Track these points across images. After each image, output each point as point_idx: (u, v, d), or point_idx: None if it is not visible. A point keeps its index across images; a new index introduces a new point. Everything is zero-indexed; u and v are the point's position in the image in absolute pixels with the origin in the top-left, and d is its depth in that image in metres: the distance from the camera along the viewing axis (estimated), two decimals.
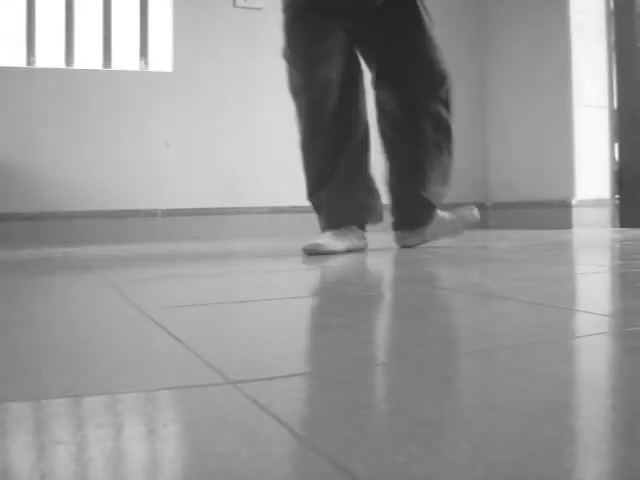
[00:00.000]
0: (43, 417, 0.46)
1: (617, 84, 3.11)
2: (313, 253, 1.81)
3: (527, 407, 0.46)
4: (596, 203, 3.09)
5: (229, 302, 1.02)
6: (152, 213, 2.93)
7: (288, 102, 3.20)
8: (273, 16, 3.11)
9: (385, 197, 2.09)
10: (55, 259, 1.94)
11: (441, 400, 0.48)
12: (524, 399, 0.47)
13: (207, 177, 3.02)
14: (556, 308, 0.89)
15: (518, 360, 0.59)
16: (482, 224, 3.43)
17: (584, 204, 3.07)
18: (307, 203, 3.21)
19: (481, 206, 3.45)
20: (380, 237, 2.16)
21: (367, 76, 2.07)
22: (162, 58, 3.03)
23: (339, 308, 0.94)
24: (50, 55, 2.90)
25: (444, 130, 1.98)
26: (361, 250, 1.94)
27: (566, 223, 3.04)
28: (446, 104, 1.98)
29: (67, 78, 2.85)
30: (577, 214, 3.05)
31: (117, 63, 2.99)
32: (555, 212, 3.08)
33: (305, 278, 1.39)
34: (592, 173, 3.09)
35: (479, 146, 3.45)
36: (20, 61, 2.85)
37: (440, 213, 2.04)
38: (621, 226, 3.08)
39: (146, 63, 3.02)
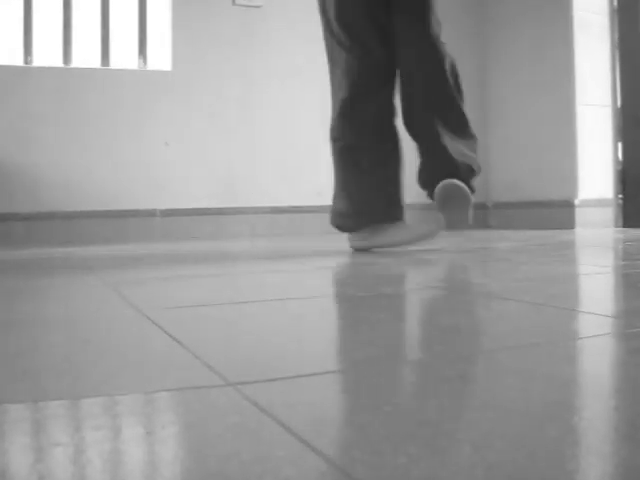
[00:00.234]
0: (41, 419, 0.46)
1: (620, 83, 3.11)
2: (360, 249, 1.87)
3: (528, 408, 0.45)
4: (599, 203, 3.09)
5: (228, 303, 1.02)
6: (151, 213, 2.93)
7: (288, 102, 3.21)
8: (272, 14, 3.11)
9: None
10: (54, 259, 1.93)
11: (441, 400, 0.48)
12: (525, 400, 0.47)
13: (206, 177, 3.02)
14: (558, 309, 0.89)
15: (519, 360, 0.59)
16: (484, 224, 3.43)
17: (587, 204, 3.06)
18: (306, 203, 3.22)
19: (482, 206, 3.45)
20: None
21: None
22: (161, 57, 3.03)
23: (338, 309, 0.94)
24: (48, 54, 2.89)
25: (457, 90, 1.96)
26: (398, 245, 1.93)
27: (568, 223, 3.04)
28: (455, 81, 1.95)
29: (65, 77, 2.84)
30: (580, 214, 3.05)
31: (115, 62, 2.98)
32: (557, 212, 3.07)
33: (305, 278, 1.39)
34: (595, 173, 3.09)
35: (480, 146, 3.44)
36: (17, 60, 2.85)
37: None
38: (624, 226, 3.08)
39: (145, 62, 3.02)
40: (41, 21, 2.89)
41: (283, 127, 3.11)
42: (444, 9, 3.38)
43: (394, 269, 1.56)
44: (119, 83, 2.90)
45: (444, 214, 1.90)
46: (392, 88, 1.96)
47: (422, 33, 1.91)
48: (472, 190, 1.95)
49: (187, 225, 2.98)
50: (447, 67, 1.90)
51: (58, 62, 2.90)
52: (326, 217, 3.35)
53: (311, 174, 3.15)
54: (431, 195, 1.97)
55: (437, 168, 1.94)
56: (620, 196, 3.12)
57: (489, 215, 3.47)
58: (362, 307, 0.95)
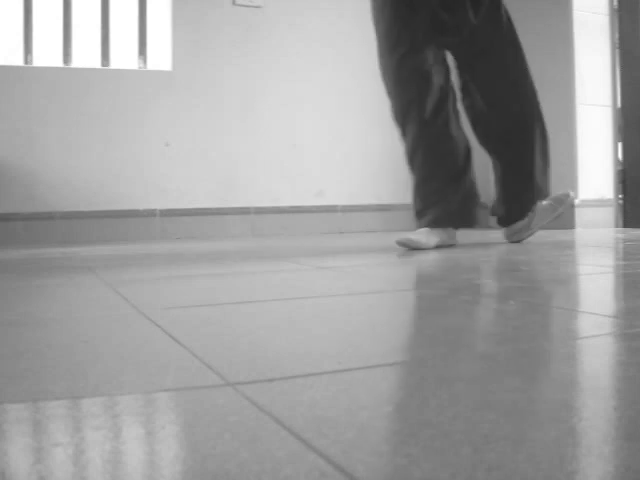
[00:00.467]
0: (41, 419, 0.46)
1: (621, 83, 3.11)
2: (405, 247, 1.90)
3: (529, 408, 0.45)
4: (599, 203, 3.09)
5: (228, 303, 1.01)
6: (151, 213, 2.93)
7: (288, 101, 3.21)
8: (272, 14, 3.11)
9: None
10: (54, 259, 1.93)
11: (442, 401, 0.48)
12: (526, 400, 0.47)
13: (206, 177, 3.02)
14: (558, 309, 0.89)
15: (520, 361, 0.59)
16: (483, 224, 3.43)
17: (587, 204, 3.06)
18: (307, 203, 3.22)
19: (482, 206, 3.44)
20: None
21: None
22: (161, 57, 3.02)
23: (338, 309, 0.94)
24: (48, 54, 2.89)
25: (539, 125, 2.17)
26: (449, 246, 2.02)
27: (569, 223, 3.03)
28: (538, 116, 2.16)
29: (65, 77, 2.84)
30: (580, 214, 3.04)
31: (115, 62, 2.98)
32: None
33: (304, 279, 1.39)
34: (595, 173, 3.08)
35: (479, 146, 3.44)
36: (17, 60, 2.85)
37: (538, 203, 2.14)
38: (624, 226, 3.08)
39: (145, 62, 3.02)
40: (41, 21, 2.88)
41: (283, 127, 3.11)
42: None
43: (393, 270, 1.56)
44: (119, 83, 2.90)
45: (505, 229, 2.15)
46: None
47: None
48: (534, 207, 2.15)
49: (187, 225, 2.98)
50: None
51: (58, 62, 2.90)
52: (325, 217, 3.36)
53: (312, 174, 3.15)
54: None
55: (527, 199, 2.13)
56: (620, 196, 3.12)
57: (489, 215, 3.47)
58: (361, 307, 0.95)
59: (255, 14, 3.08)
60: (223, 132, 3.03)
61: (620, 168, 3.13)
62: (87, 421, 0.45)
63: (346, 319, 0.85)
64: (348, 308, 0.94)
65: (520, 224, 2.14)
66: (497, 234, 2.74)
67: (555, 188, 3.15)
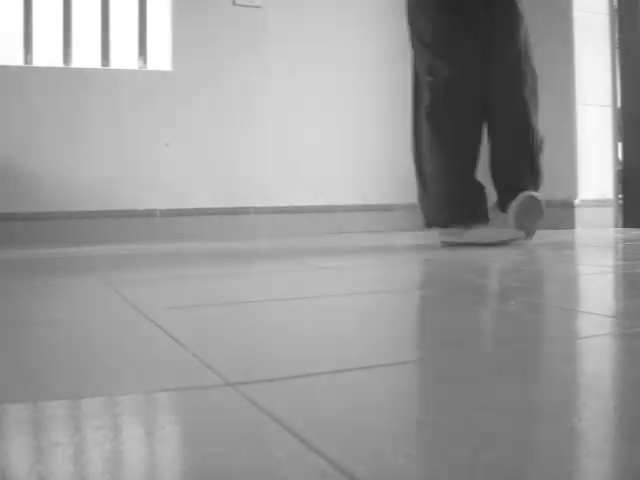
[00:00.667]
0: (41, 418, 0.46)
1: (621, 82, 3.10)
2: (450, 244, 1.97)
3: (529, 408, 0.45)
4: (599, 203, 3.09)
5: (229, 303, 1.01)
6: (151, 213, 2.93)
7: (288, 101, 3.21)
8: (272, 14, 3.11)
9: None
10: (54, 259, 1.93)
11: (442, 401, 0.48)
12: (526, 400, 0.47)
13: (206, 177, 3.02)
14: (558, 309, 0.89)
15: (520, 361, 0.59)
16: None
17: (587, 204, 3.06)
18: (307, 203, 3.22)
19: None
20: None
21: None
22: (161, 57, 3.02)
23: (338, 309, 0.94)
24: (48, 54, 2.89)
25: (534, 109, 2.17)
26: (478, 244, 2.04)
27: (569, 223, 3.03)
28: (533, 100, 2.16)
29: (65, 77, 2.84)
30: (580, 214, 3.04)
31: (115, 62, 2.98)
32: (557, 212, 3.06)
33: (304, 279, 1.39)
34: (595, 173, 3.08)
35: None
36: (17, 60, 2.85)
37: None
38: (624, 226, 3.08)
39: (145, 62, 3.02)
40: (41, 21, 2.88)
41: (283, 127, 3.11)
42: None
43: (391, 270, 1.56)
44: (119, 83, 2.90)
45: (518, 222, 2.05)
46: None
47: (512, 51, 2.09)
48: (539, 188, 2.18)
49: (187, 225, 2.97)
50: (527, 93, 2.12)
51: (58, 62, 2.89)
52: (326, 217, 3.36)
53: (312, 174, 3.15)
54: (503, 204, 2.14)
55: (514, 185, 2.12)
56: (620, 196, 3.12)
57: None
58: (362, 307, 0.95)
59: (255, 14, 3.08)
60: (223, 132, 3.03)
61: (620, 168, 3.13)
62: (87, 421, 0.45)
63: (346, 319, 0.85)
64: (348, 308, 0.94)
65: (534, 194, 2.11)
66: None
67: (555, 188, 3.15)
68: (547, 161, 3.22)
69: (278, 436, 0.41)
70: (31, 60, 2.86)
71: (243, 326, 0.81)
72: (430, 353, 0.62)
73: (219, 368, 0.57)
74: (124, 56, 2.99)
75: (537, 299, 0.95)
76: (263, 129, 3.09)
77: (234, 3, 3.05)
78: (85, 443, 0.40)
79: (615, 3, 3.13)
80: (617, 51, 3.12)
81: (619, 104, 3.12)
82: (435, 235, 2.11)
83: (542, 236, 2.28)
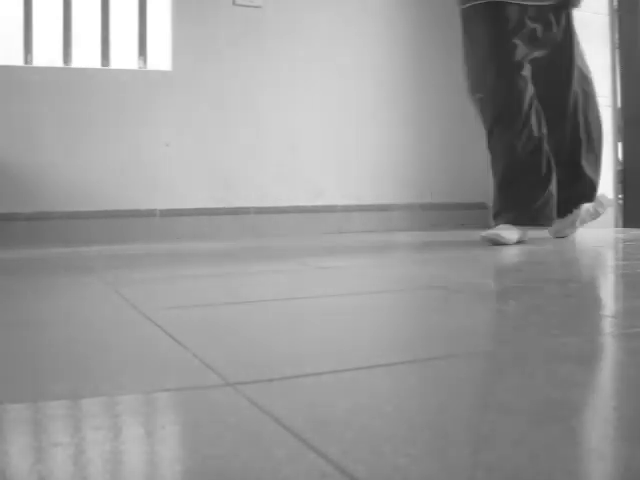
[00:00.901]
0: (41, 419, 0.46)
1: (621, 83, 3.10)
2: (491, 242, 2.01)
3: (529, 408, 0.45)
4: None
5: (229, 303, 1.01)
6: (151, 213, 2.93)
7: (288, 102, 3.21)
8: (272, 14, 3.11)
9: None
10: (54, 259, 1.93)
11: (442, 401, 0.48)
12: (526, 400, 0.47)
13: (206, 177, 3.02)
14: (557, 308, 0.89)
15: (519, 361, 0.59)
16: (484, 224, 3.43)
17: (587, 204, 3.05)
18: (307, 203, 3.22)
19: (482, 206, 3.45)
20: None
21: None
22: (161, 57, 3.02)
23: (338, 309, 0.94)
24: (48, 54, 2.89)
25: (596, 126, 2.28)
26: (524, 242, 2.12)
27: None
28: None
29: (65, 77, 2.84)
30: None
31: (115, 62, 2.98)
32: None
33: (304, 279, 1.39)
34: None
35: (481, 146, 3.44)
36: (17, 60, 2.85)
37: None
38: (624, 226, 3.07)
39: (145, 62, 3.02)
40: (41, 21, 2.88)
41: (283, 127, 3.11)
42: (445, 10, 3.37)
43: (389, 270, 1.56)
44: (119, 83, 2.90)
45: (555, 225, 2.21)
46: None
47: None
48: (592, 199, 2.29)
49: (187, 225, 2.97)
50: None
51: (58, 62, 2.89)
52: (325, 217, 3.35)
53: (311, 174, 3.15)
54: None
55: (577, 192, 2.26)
56: (620, 196, 3.12)
57: (489, 215, 3.47)
58: (362, 307, 0.95)
59: (255, 14, 3.08)
60: (223, 132, 3.03)
61: (620, 168, 3.12)
62: (87, 421, 0.45)
63: (346, 319, 0.85)
64: (348, 308, 0.94)
65: (570, 218, 2.23)
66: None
67: None
68: None
69: (278, 436, 0.41)
70: (31, 60, 2.86)
71: (243, 326, 0.81)
72: (430, 353, 0.62)
73: (219, 368, 0.57)
74: (124, 56, 2.99)
75: (537, 299, 0.95)
76: (263, 129, 3.09)
77: (234, 3, 3.05)
78: (85, 443, 0.40)
79: (615, 3, 3.13)
80: (617, 51, 3.12)
81: (619, 104, 3.12)
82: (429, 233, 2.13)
83: (542, 236, 2.28)
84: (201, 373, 0.56)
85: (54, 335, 0.76)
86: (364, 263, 1.65)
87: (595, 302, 0.99)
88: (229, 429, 0.42)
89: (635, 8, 3.07)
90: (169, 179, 2.95)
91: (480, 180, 3.50)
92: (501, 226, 2.08)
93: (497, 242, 1.98)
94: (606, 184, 3.10)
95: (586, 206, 2.28)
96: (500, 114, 2.11)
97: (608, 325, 0.77)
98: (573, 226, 2.27)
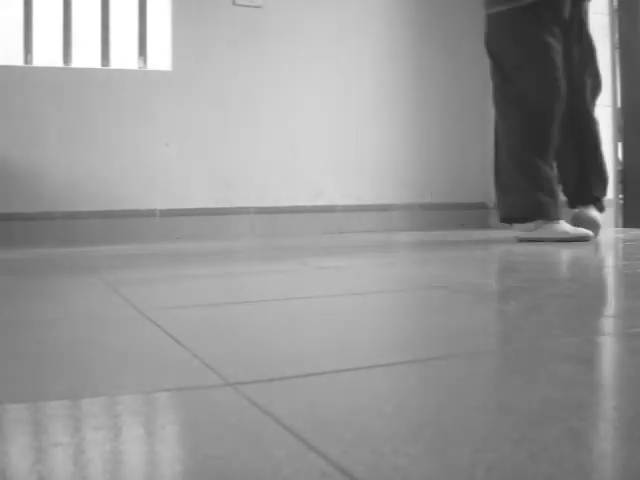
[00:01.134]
0: (41, 418, 0.46)
1: (621, 83, 3.10)
2: (524, 240, 2.13)
3: (529, 408, 0.45)
4: None
5: (229, 303, 1.01)
6: (151, 213, 2.93)
7: (288, 101, 3.21)
8: (272, 14, 3.11)
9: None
10: (54, 259, 1.93)
11: (442, 401, 0.48)
12: (526, 400, 0.47)
13: (206, 177, 3.02)
14: (557, 308, 0.89)
15: (519, 361, 0.59)
16: (484, 224, 3.43)
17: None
18: (307, 203, 3.22)
19: (482, 206, 3.44)
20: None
21: None
22: (161, 57, 3.02)
23: (338, 309, 0.94)
24: (48, 54, 2.89)
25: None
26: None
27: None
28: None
29: (65, 77, 2.84)
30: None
31: (115, 62, 2.98)
32: None
33: (304, 279, 1.39)
34: None
35: (481, 146, 3.45)
36: (17, 60, 2.85)
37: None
38: (624, 226, 3.07)
39: (145, 62, 3.02)
40: (41, 21, 2.88)
41: (283, 127, 3.11)
42: (443, 11, 3.37)
43: (387, 270, 1.56)
44: (119, 83, 2.90)
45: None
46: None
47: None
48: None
49: (187, 225, 2.98)
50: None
51: (58, 62, 2.90)
52: (325, 217, 3.36)
53: (311, 174, 3.15)
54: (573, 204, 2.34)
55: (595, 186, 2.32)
56: (620, 196, 3.12)
57: (489, 215, 3.47)
58: (362, 307, 0.95)
59: (255, 14, 3.08)
60: (223, 132, 3.04)
61: (620, 168, 3.12)
62: (87, 421, 0.45)
63: (346, 319, 0.85)
64: (348, 308, 0.94)
65: (595, 214, 2.27)
66: (497, 234, 2.74)
67: None
68: None
69: (278, 436, 0.41)
70: (31, 60, 2.86)
71: (243, 326, 0.81)
72: (430, 353, 0.62)
73: (219, 368, 0.57)
74: (124, 56, 2.99)
75: (537, 299, 0.95)
76: (263, 129, 3.09)
77: (234, 3, 3.05)
78: (85, 443, 0.40)
79: (615, 3, 3.13)
80: (617, 51, 3.12)
81: (619, 104, 3.12)
82: (432, 233, 2.12)
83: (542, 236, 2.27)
84: (201, 373, 0.56)
85: (54, 335, 0.76)
86: (364, 263, 1.65)
87: (595, 302, 0.99)
88: (229, 429, 0.42)
89: (635, 8, 3.07)
90: (169, 179, 2.96)
91: (480, 180, 3.50)
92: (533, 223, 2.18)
93: (586, 238, 2.10)
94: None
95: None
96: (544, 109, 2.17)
97: (608, 325, 0.77)
98: (598, 226, 2.28)
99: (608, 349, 0.65)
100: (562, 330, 0.74)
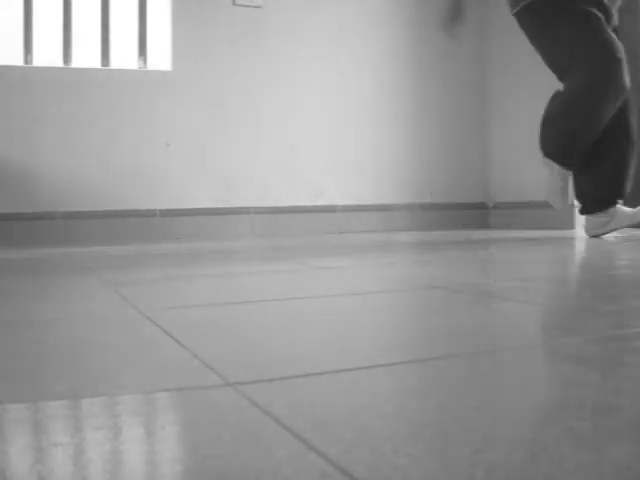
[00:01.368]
0: (41, 419, 0.46)
1: None
2: (598, 236, 2.21)
3: (529, 408, 0.45)
4: None
5: (229, 303, 1.01)
6: (151, 213, 2.93)
7: (288, 101, 3.21)
8: (272, 14, 3.11)
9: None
10: (54, 259, 1.93)
11: (442, 401, 0.48)
12: (525, 400, 0.47)
13: (206, 177, 3.02)
14: (557, 308, 0.89)
15: (519, 361, 0.59)
16: (484, 224, 3.43)
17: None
18: (307, 203, 3.22)
19: (482, 206, 3.44)
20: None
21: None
22: (161, 57, 3.02)
23: (338, 309, 0.94)
24: (48, 54, 2.89)
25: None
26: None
27: (569, 223, 3.03)
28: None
29: (65, 77, 2.84)
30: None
31: (115, 62, 2.98)
32: (557, 212, 3.06)
33: (304, 279, 1.39)
34: None
35: (481, 146, 3.45)
36: (17, 60, 2.85)
37: (621, 206, 2.32)
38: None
39: (145, 62, 3.02)
40: (41, 21, 2.88)
41: (283, 127, 3.11)
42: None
43: (388, 270, 1.56)
44: (119, 83, 2.90)
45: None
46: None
47: None
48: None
49: (187, 225, 2.98)
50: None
51: (58, 62, 2.90)
52: (325, 217, 3.36)
53: (311, 174, 3.15)
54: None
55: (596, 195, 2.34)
56: None
57: (489, 215, 3.47)
58: (363, 307, 0.95)
59: (255, 14, 3.08)
60: (223, 132, 3.03)
61: None
62: (87, 421, 0.45)
63: (346, 319, 0.85)
64: (348, 308, 0.94)
65: (602, 218, 2.29)
66: (497, 234, 2.74)
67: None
68: None
69: (278, 436, 0.41)
70: (31, 60, 2.86)
71: (243, 326, 0.81)
72: (430, 353, 0.62)
73: (219, 368, 0.57)
74: (124, 56, 3.00)
75: (536, 298, 0.95)
76: (263, 129, 3.09)
77: (234, 3, 3.05)
78: (85, 443, 0.40)
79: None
80: None
81: None
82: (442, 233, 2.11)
83: (542, 236, 2.28)
84: (201, 373, 0.56)
85: (54, 335, 0.76)
86: (364, 263, 1.65)
87: (595, 302, 0.99)
88: (229, 429, 0.42)
89: (635, 8, 3.08)
90: (169, 179, 2.96)
91: (480, 180, 3.50)
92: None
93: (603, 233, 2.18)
94: None
95: (622, 209, 2.30)
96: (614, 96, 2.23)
97: (608, 325, 0.77)
98: (606, 226, 2.30)
99: (608, 349, 0.65)
100: (562, 330, 0.74)
